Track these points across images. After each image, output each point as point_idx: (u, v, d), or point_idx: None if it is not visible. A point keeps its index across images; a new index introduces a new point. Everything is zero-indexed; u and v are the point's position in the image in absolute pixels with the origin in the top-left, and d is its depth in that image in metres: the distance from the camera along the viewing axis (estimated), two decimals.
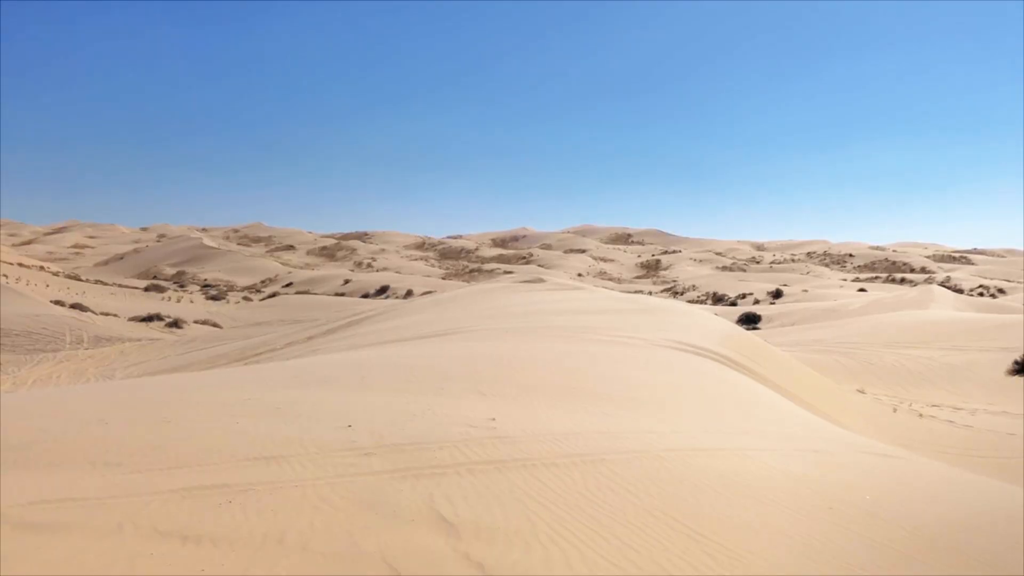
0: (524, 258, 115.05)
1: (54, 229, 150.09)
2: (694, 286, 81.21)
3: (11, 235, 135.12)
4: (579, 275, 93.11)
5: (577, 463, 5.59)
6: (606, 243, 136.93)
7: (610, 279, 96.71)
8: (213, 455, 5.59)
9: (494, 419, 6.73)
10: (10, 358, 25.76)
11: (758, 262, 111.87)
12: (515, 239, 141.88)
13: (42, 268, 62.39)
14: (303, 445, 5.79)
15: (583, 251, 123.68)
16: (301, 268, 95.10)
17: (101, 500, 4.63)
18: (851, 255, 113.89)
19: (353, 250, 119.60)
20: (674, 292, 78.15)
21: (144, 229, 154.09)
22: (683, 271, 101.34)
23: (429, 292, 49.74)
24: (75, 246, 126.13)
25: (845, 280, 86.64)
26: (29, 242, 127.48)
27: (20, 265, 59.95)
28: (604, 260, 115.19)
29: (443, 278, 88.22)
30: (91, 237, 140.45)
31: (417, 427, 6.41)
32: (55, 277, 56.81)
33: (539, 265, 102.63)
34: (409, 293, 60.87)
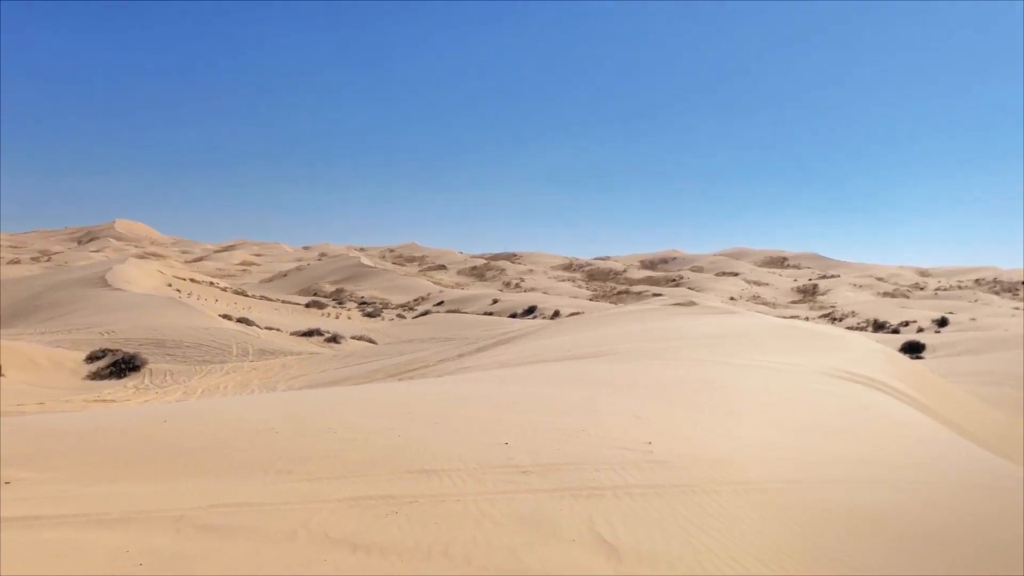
0: (674, 280, 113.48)
1: (223, 247, 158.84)
2: (853, 312, 77.92)
3: (184, 252, 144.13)
4: (731, 299, 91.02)
5: (739, 491, 5.44)
6: (760, 266, 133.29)
7: (764, 303, 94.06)
8: (377, 466, 5.76)
9: (650, 443, 6.65)
10: (182, 368, 27.38)
11: (922, 288, 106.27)
12: (665, 261, 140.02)
13: (212, 284, 66.03)
14: (463, 460, 5.89)
15: (736, 274, 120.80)
16: (452, 287, 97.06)
17: (275, 506, 4.85)
18: None
19: (502, 270, 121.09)
20: (832, 318, 75.20)
21: (306, 248, 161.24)
22: (842, 296, 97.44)
23: (576, 313, 49.71)
24: (242, 263, 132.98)
25: (1018, 308, 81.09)
26: (200, 259, 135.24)
27: (192, 281, 63.75)
28: (758, 284, 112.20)
29: (590, 299, 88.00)
30: (257, 255, 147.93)
31: (573, 447, 6.41)
32: (223, 292, 60.03)
33: (689, 288, 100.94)
34: (556, 314, 61.08)
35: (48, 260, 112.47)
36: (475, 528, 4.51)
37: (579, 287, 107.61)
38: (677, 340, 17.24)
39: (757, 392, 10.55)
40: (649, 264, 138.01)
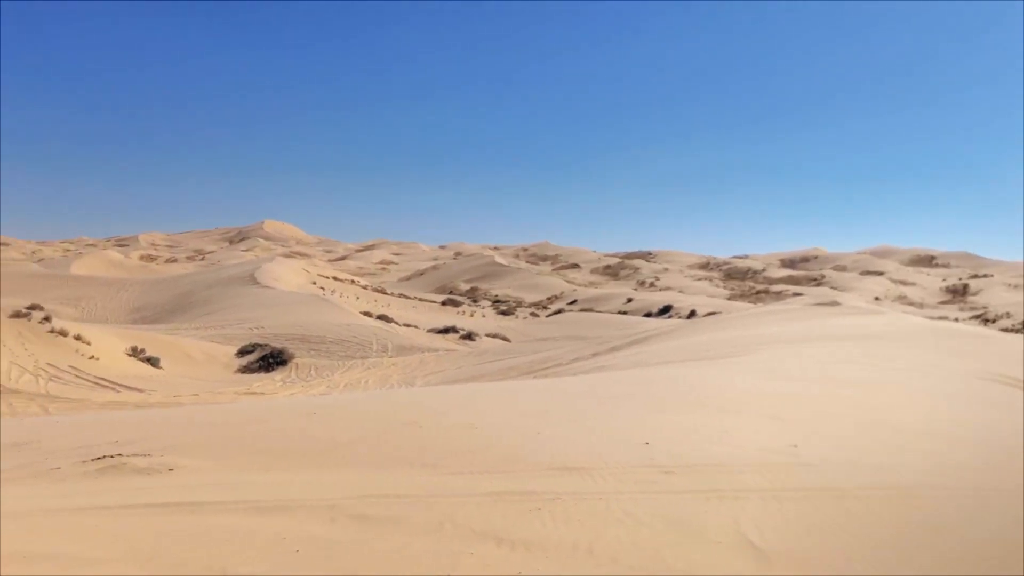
0: (815, 280, 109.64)
1: (364, 246, 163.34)
2: (1008, 313, 73.35)
3: (328, 251, 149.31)
4: (876, 299, 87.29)
5: (892, 497, 5.22)
6: (906, 265, 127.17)
7: (910, 304, 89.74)
8: (518, 462, 5.83)
9: (795, 445, 6.47)
10: (326, 363, 28.37)
11: None
12: (806, 260, 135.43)
13: (353, 282, 68.04)
14: (603, 459, 5.89)
15: (880, 273, 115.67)
16: (585, 286, 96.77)
17: (421, 498, 4.98)
18: None
19: (636, 269, 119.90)
20: (984, 319, 71.02)
21: (442, 247, 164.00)
22: (995, 297, 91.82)
23: (713, 313, 48.71)
24: (382, 262, 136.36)
25: None
26: (343, 258, 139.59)
27: (335, 279, 65.97)
28: (904, 283, 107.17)
29: (728, 299, 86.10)
30: (396, 254, 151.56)
31: (715, 449, 6.31)
32: (364, 290, 61.82)
33: (832, 287, 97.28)
34: (692, 313, 60.03)
35: (202, 259, 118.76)
36: (619, 527, 4.50)
37: (716, 286, 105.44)
38: (819, 342, 16.71)
39: (907, 394, 10.12)
40: (789, 263, 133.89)
